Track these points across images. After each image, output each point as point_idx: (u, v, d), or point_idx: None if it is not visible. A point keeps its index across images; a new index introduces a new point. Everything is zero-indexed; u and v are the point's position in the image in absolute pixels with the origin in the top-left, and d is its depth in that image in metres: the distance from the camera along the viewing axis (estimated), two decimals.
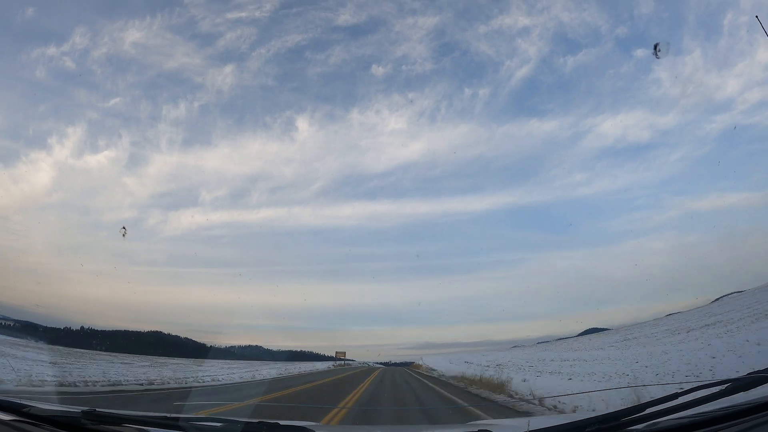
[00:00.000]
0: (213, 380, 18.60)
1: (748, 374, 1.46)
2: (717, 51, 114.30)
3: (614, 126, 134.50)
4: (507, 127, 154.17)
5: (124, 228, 63.14)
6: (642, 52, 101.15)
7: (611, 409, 1.59)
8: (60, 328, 77.98)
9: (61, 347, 43.51)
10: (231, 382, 18.71)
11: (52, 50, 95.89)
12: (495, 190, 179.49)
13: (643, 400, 1.55)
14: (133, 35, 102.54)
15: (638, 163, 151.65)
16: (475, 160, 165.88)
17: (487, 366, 30.59)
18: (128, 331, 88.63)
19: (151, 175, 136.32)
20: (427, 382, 22.91)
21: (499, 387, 13.24)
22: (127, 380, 14.98)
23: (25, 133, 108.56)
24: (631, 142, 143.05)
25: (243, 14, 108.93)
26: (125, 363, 28.53)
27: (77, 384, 12.44)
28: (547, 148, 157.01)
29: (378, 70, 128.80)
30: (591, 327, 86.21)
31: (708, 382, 1.45)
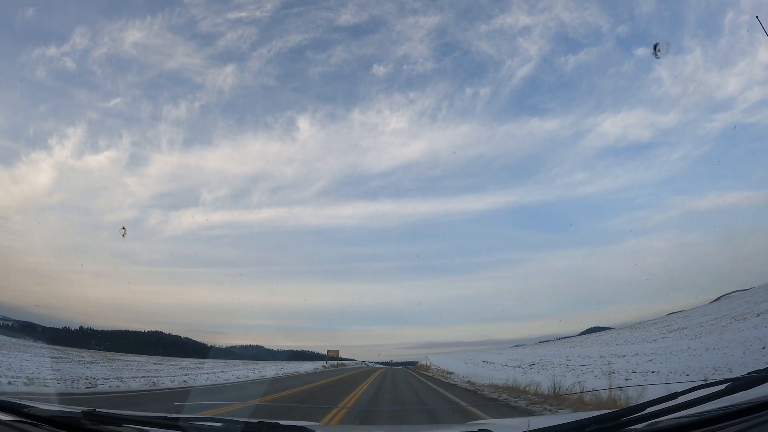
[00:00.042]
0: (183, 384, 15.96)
1: (748, 374, 1.46)
2: (717, 50, 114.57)
3: (615, 125, 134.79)
4: (508, 126, 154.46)
5: (123, 228, 63.18)
6: (643, 51, 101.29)
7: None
8: (59, 328, 78.00)
9: (58, 347, 43.39)
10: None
11: (52, 50, 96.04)
12: (496, 190, 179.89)
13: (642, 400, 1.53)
14: (133, 35, 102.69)
15: (639, 162, 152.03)
16: (475, 160, 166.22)
17: (518, 366, 25.79)
18: (128, 331, 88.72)
19: (151, 175, 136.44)
20: (452, 396, 13.42)
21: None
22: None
23: (26, 133, 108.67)
24: (632, 141, 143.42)
25: (243, 14, 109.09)
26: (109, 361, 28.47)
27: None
28: (548, 147, 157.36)
29: (379, 70, 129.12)
30: (592, 326, 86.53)
31: (708, 382, 1.45)
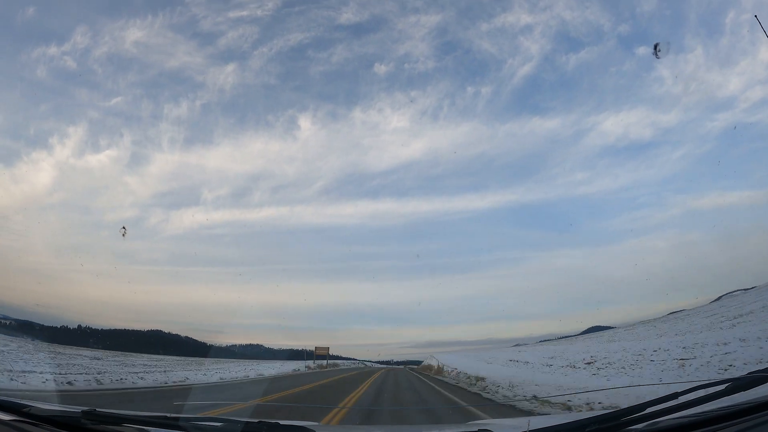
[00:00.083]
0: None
1: (748, 374, 1.46)
2: (718, 49, 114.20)
3: (616, 124, 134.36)
4: (509, 125, 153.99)
5: (123, 228, 63.03)
6: (644, 50, 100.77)
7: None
8: (57, 327, 77.89)
9: (56, 345, 43.33)
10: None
11: (52, 50, 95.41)
12: (497, 189, 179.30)
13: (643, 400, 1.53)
14: (134, 34, 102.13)
15: (640, 161, 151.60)
16: (477, 159, 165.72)
17: (561, 366, 19.85)
18: (128, 330, 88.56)
19: (152, 174, 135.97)
20: None
21: None
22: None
23: (26, 132, 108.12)
24: (633, 140, 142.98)
25: (245, 13, 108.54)
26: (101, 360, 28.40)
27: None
28: (549, 146, 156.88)
29: (380, 69, 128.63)
30: (593, 326, 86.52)
31: (708, 382, 1.45)
